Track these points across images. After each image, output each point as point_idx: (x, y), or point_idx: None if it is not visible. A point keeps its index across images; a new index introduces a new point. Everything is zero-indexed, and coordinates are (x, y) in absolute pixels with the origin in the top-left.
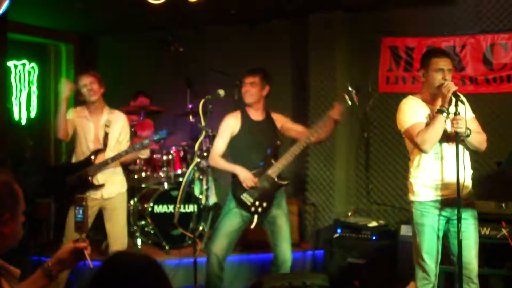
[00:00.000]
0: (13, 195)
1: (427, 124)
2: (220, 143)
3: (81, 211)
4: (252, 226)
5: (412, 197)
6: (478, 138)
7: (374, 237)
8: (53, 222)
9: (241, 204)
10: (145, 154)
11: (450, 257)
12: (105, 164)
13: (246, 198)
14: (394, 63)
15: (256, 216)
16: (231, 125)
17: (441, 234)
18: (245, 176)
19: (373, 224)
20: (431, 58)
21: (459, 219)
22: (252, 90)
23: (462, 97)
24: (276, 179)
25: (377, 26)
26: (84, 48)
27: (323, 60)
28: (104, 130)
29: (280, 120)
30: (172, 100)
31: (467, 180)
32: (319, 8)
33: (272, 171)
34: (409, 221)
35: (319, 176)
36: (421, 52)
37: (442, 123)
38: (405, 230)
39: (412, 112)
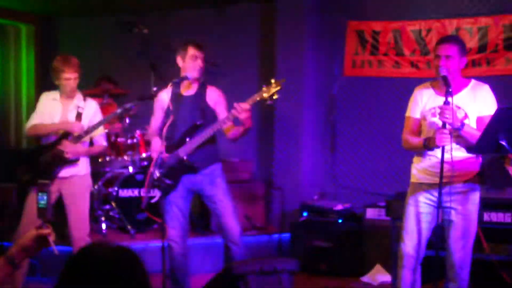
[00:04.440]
0: None
1: (424, 115)
2: (153, 121)
3: (44, 197)
4: (147, 203)
5: (410, 179)
6: (471, 131)
7: (340, 220)
8: (15, 207)
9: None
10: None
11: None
12: (80, 138)
13: (155, 172)
14: (360, 46)
15: (160, 192)
16: (161, 101)
17: (427, 219)
18: (154, 149)
19: (339, 207)
20: (436, 44)
21: (439, 204)
22: (202, 65)
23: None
24: (185, 158)
25: (344, 10)
26: (45, 29)
27: (290, 44)
28: (76, 111)
29: (214, 99)
30: (136, 83)
31: (464, 167)
32: None
33: (183, 150)
34: (374, 205)
35: (285, 159)
36: (387, 36)
37: (419, 149)
38: (370, 213)
39: (412, 103)
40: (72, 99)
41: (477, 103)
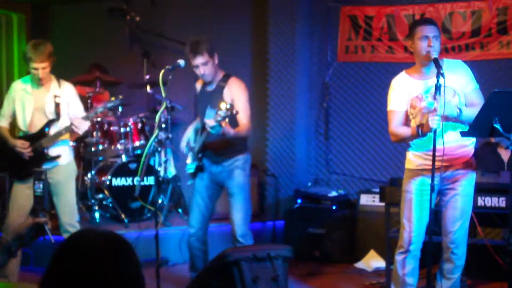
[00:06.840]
0: None
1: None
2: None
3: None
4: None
5: (405, 165)
6: (470, 114)
7: (334, 207)
8: (8, 196)
9: None
10: (82, 128)
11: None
12: (59, 135)
13: None
14: (353, 32)
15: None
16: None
17: (427, 205)
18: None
19: (333, 194)
20: (416, 26)
21: (432, 188)
22: (208, 70)
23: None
24: (199, 156)
25: None
26: (37, 18)
27: (283, 29)
28: (54, 101)
29: (230, 95)
30: (128, 71)
31: (460, 151)
32: None
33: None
34: (368, 191)
35: (279, 146)
36: (380, 21)
37: (410, 138)
38: (364, 199)
39: (394, 96)
40: (46, 88)
41: (459, 79)
